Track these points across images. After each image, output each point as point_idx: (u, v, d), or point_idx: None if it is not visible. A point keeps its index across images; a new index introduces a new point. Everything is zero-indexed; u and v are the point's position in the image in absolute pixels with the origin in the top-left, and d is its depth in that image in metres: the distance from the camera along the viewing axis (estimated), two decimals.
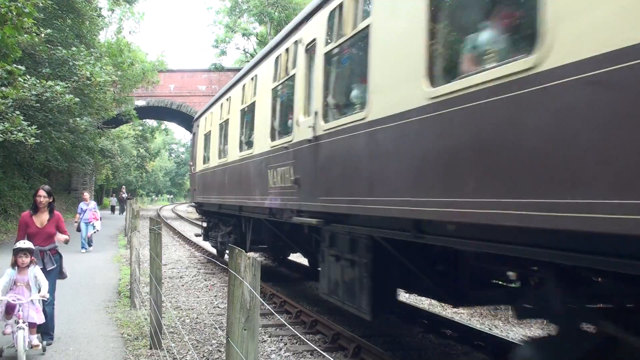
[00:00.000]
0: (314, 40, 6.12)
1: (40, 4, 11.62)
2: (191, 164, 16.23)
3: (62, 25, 20.30)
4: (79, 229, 15.08)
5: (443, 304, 9.43)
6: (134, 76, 28.62)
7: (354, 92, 5.33)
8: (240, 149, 9.41)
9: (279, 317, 3.88)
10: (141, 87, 31.15)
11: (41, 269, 5.66)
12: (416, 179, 3.97)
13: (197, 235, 15.80)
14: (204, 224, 14.73)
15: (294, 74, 6.72)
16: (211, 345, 6.54)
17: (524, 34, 3.29)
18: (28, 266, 5.40)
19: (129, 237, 14.32)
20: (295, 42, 6.74)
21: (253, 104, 8.68)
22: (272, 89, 7.69)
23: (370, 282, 5.16)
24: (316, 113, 5.83)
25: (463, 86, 3.41)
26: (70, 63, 17.78)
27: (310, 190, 6.01)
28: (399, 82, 4.22)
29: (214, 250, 14.55)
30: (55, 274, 6.05)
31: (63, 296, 8.37)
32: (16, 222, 14.79)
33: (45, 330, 5.84)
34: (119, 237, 20.08)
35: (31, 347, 5.34)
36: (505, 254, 3.37)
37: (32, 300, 5.30)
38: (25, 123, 13.44)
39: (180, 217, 39.10)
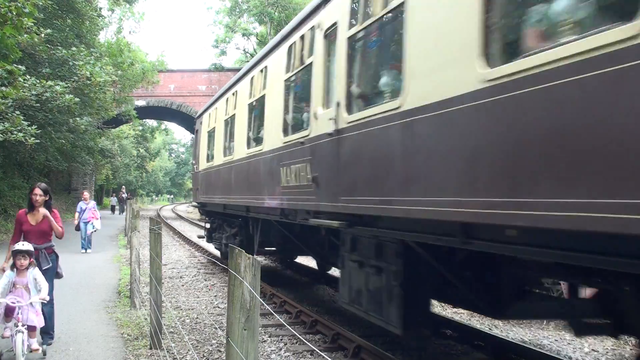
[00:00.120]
0: (335, 24, 5.53)
1: (40, 4, 11.61)
2: (194, 162, 15.41)
3: (62, 25, 20.20)
4: (77, 229, 14.82)
5: (443, 304, 9.34)
6: (134, 76, 28.39)
7: (384, 79, 4.75)
8: (248, 146, 8.80)
9: (278, 317, 3.88)
10: (141, 87, 30.90)
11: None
12: (468, 176, 3.35)
13: (200, 237, 15.13)
14: (207, 225, 14.01)
15: (311, 63, 6.13)
16: (211, 345, 6.49)
17: None
18: (27, 268, 5.25)
19: (129, 237, 14.23)
20: (312, 28, 6.14)
21: (263, 98, 8.08)
22: (285, 81, 7.08)
23: (401, 292, 4.62)
24: (338, 104, 5.24)
25: (532, 64, 2.85)
26: (70, 63, 17.70)
27: (330, 189, 5.43)
28: (443, 64, 3.62)
29: (217, 252, 13.94)
30: (51, 273, 5.89)
31: (63, 296, 8.36)
32: None
33: (45, 330, 5.72)
34: (119, 237, 19.89)
35: (31, 351, 5.20)
36: (592, 265, 2.86)
37: (31, 303, 5.14)
38: (25, 123, 13.36)
39: (180, 217, 39.08)
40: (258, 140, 8.42)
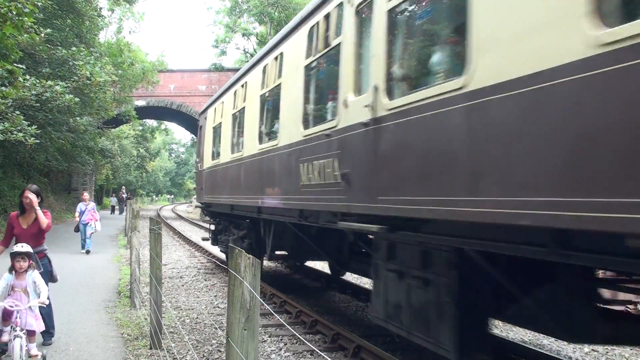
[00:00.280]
0: None
1: (40, 4, 11.60)
2: (197, 160, 14.45)
3: (62, 25, 20.02)
4: (77, 230, 14.53)
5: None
6: (134, 76, 28.07)
7: (438, 56, 4.02)
8: (260, 141, 8.01)
9: (278, 317, 3.87)
10: (141, 87, 30.57)
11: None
12: (571, 171, 2.59)
13: (204, 239, 14.28)
14: (212, 227, 13.17)
15: (339, 44, 5.37)
16: (211, 345, 6.42)
17: None
18: (26, 271, 5.03)
19: (129, 237, 14.12)
20: (340, 4, 5.40)
21: (278, 87, 7.30)
22: (306, 67, 6.32)
23: (456, 309, 3.92)
24: (376, 88, 4.48)
25: None
26: (70, 63, 17.58)
27: (365, 187, 4.68)
28: (533, 28, 2.84)
29: (222, 255, 13.30)
30: (44, 277, 5.56)
31: (63, 296, 8.37)
32: None
33: (45, 329, 5.56)
34: (119, 237, 19.66)
35: (30, 357, 4.97)
36: None
37: (30, 307, 4.92)
38: (25, 123, 13.30)
39: (180, 217, 39.08)
40: (272, 135, 7.69)
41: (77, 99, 16.10)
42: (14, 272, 5.05)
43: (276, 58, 7.52)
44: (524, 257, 3.21)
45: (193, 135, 50.35)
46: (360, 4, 4.96)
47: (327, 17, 5.79)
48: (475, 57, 3.29)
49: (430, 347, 4.24)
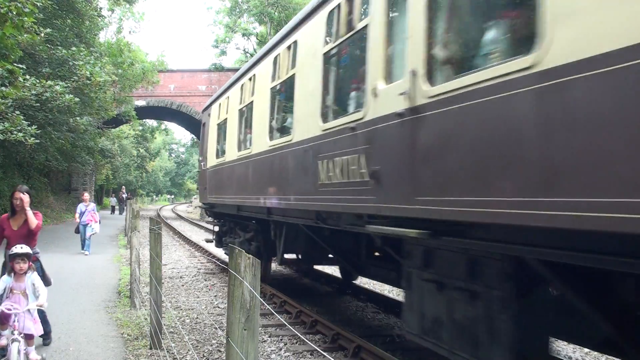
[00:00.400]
0: None
1: (40, 4, 11.60)
2: (200, 158, 13.81)
3: (62, 25, 19.97)
4: (77, 231, 14.41)
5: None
6: (134, 76, 27.97)
7: (496, 30, 3.41)
8: (271, 137, 7.44)
9: (279, 317, 3.86)
10: (141, 87, 30.44)
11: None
12: None
13: (208, 241, 13.66)
14: (216, 228, 12.59)
15: (365, 27, 4.81)
16: (211, 345, 6.39)
17: None
18: (26, 273, 4.87)
19: (129, 237, 14.06)
20: None
21: (291, 79, 6.76)
22: (324, 55, 5.75)
23: (513, 327, 3.35)
24: (413, 73, 3.92)
25: None
26: (70, 63, 17.58)
27: (399, 187, 4.14)
28: None
29: (226, 257, 12.41)
30: None
31: (63, 296, 8.38)
32: None
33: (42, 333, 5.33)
34: (119, 237, 19.56)
35: None
36: None
37: (29, 310, 4.76)
38: (25, 123, 13.30)
39: (180, 217, 39.12)
40: (284, 130, 7.14)
41: (77, 99, 16.08)
42: (12, 274, 4.87)
43: (289, 47, 6.93)
44: (604, 269, 2.69)
45: (193, 135, 50.29)
46: None
47: None
48: (551, 29, 2.71)
49: None
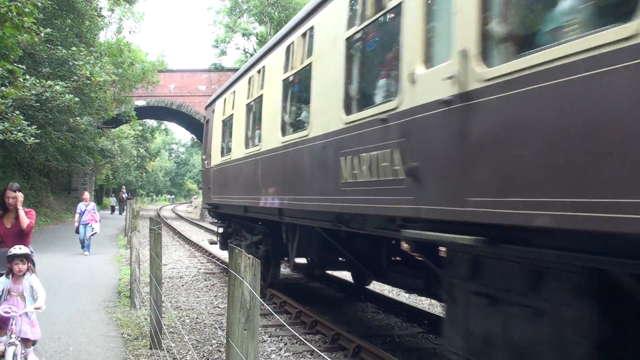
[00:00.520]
0: None
1: (40, 5, 11.59)
2: (204, 157, 13.18)
3: (62, 25, 20.00)
4: (77, 231, 14.35)
5: (443, 304, 9.10)
6: (134, 76, 28.03)
7: (570, 1, 2.91)
8: (284, 133, 6.95)
9: (278, 317, 3.86)
10: (141, 87, 30.45)
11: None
12: None
13: (212, 243, 13.22)
14: (220, 230, 12.10)
15: (399, 4, 4.27)
16: (211, 345, 6.41)
17: None
18: (24, 274, 4.75)
19: (129, 237, 14.01)
20: None
21: (307, 68, 6.25)
22: (347, 39, 5.21)
23: (593, 354, 2.83)
24: (464, 54, 3.39)
25: None
26: (70, 63, 17.61)
27: (445, 185, 3.60)
28: None
29: (227, 258, 12.15)
30: None
31: (63, 296, 8.40)
32: None
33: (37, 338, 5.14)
34: (119, 237, 19.58)
35: None
36: None
37: (26, 313, 4.62)
38: (25, 123, 13.28)
39: (180, 217, 39.15)
40: (299, 125, 6.69)
41: (77, 99, 16.06)
42: (10, 275, 4.74)
43: (304, 34, 6.40)
44: None
45: (193, 135, 50.30)
46: None
47: None
48: None
49: None
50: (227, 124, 10.36)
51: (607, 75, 2.45)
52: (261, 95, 7.99)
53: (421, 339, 6.91)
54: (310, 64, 6.15)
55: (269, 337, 6.89)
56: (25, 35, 11.44)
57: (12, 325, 4.55)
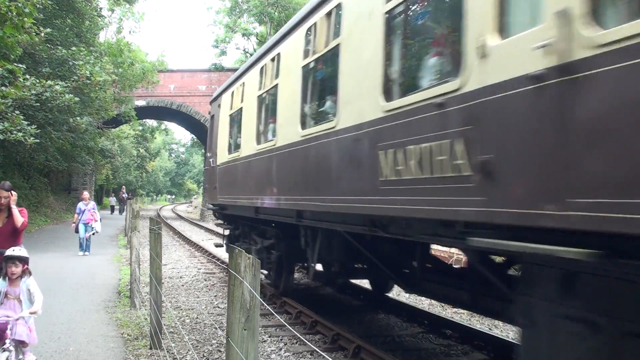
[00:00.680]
0: None
1: (39, 5, 11.58)
2: (208, 154, 12.24)
3: (62, 25, 20.04)
4: (77, 230, 14.18)
5: (443, 304, 8.93)
6: (134, 76, 28.08)
7: None
8: (304, 126, 6.19)
9: (278, 317, 3.85)
10: (141, 87, 30.52)
11: None
12: None
13: (217, 246, 12.33)
14: (226, 232, 11.38)
15: None
16: (211, 345, 6.40)
17: None
18: (21, 277, 4.57)
19: (129, 237, 14.00)
20: None
21: (334, 52, 5.49)
22: (387, 13, 4.47)
23: None
24: (564, 15, 2.69)
25: None
26: (70, 62, 17.63)
27: (534, 183, 2.91)
28: None
29: (227, 258, 11.55)
30: None
31: (63, 296, 8.41)
32: None
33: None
34: (119, 237, 19.58)
35: None
36: None
37: (22, 318, 4.46)
38: (25, 123, 13.33)
39: (180, 217, 39.15)
40: (323, 116, 5.98)
41: (77, 99, 16.11)
42: (7, 278, 4.57)
43: (329, 14, 5.70)
44: None
45: (193, 135, 50.33)
46: None
47: None
48: None
49: None
50: (236, 118, 9.62)
51: None
52: (276, 85, 7.26)
53: (421, 339, 6.91)
54: (337, 46, 5.40)
55: (269, 337, 6.89)
56: (25, 35, 11.45)
57: (8, 330, 4.42)
